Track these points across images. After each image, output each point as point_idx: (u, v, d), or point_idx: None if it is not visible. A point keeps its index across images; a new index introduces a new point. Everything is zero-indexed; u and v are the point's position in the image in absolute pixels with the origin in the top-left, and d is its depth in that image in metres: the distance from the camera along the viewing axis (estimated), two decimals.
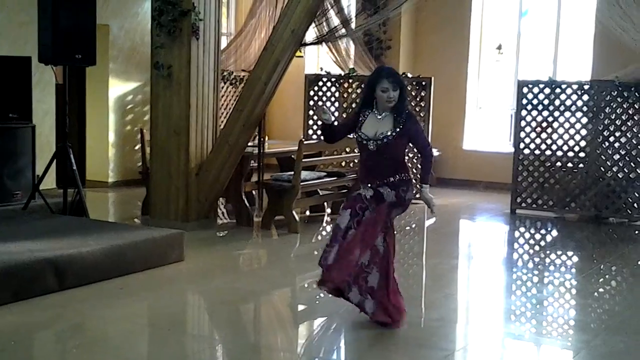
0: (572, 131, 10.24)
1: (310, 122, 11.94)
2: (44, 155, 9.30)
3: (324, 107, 5.88)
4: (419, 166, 6.37)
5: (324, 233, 9.42)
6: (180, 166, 8.56)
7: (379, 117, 5.50)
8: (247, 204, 9.13)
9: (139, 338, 5.59)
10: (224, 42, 12.88)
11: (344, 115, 11.82)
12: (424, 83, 11.10)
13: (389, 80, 5.41)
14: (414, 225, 10.03)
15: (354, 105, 11.79)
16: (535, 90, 10.39)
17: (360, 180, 5.75)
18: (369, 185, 5.52)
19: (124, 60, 11.78)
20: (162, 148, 8.66)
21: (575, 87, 10.20)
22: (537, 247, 9.08)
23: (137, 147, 11.65)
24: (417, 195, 5.80)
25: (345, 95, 11.84)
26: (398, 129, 5.44)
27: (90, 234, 7.03)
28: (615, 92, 9.89)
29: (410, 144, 5.70)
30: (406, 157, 6.17)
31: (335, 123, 5.77)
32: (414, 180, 6.01)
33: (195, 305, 6.72)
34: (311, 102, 11.94)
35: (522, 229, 10.00)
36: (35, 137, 9.06)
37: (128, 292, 6.40)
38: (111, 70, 11.60)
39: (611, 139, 9.98)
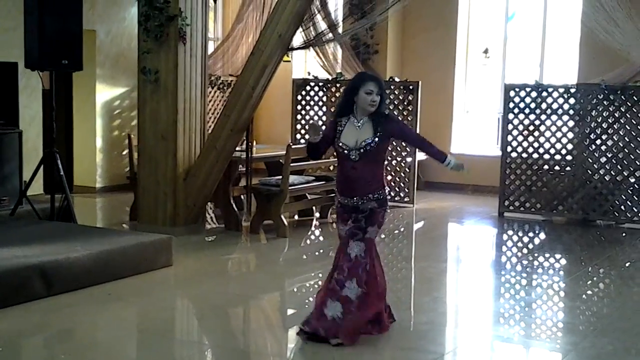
0: (559, 134, 10.29)
1: (298, 126, 11.93)
2: (31, 160, 9.26)
3: (317, 124, 5.69)
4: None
5: (312, 237, 9.42)
6: (168, 171, 8.55)
7: (358, 124, 5.34)
8: (236, 209, 9.12)
9: (128, 343, 5.57)
10: (211, 47, 12.87)
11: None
12: (411, 87, 11.10)
13: (374, 84, 5.31)
14: (402, 229, 10.05)
15: None
16: (522, 93, 10.43)
17: (340, 192, 5.45)
18: (351, 209, 5.36)
19: (111, 66, 11.75)
20: (149, 153, 8.64)
21: (561, 90, 10.24)
22: (525, 250, 9.10)
23: (124, 153, 11.61)
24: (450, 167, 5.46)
25: (332, 100, 11.82)
26: (379, 133, 5.31)
27: (78, 240, 7.00)
28: (602, 95, 9.94)
29: (403, 144, 5.56)
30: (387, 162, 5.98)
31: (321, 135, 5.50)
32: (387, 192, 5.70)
33: (184, 310, 6.70)
34: (299, 107, 11.93)
35: (510, 232, 10.02)
36: (22, 143, 9.03)
37: (116, 297, 6.38)
38: (98, 76, 11.57)
39: (598, 142, 10.03)
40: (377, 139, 5.31)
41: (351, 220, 5.38)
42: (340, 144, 5.36)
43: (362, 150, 5.30)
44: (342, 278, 5.34)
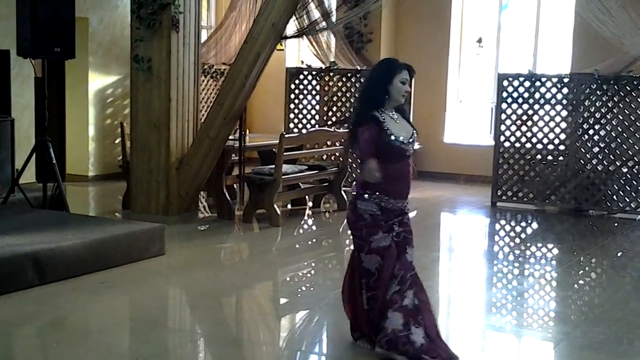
0: (552, 124, 10.30)
1: (291, 115, 11.92)
2: (23, 149, 9.24)
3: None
4: None
5: (305, 226, 9.42)
6: (161, 160, 8.53)
7: (397, 119, 4.82)
8: (229, 198, 9.12)
9: (121, 332, 5.57)
10: (204, 36, 12.84)
11: (325, 109, 11.81)
12: None
13: (408, 72, 4.85)
14: None
15: (335, 99, 11.79)
16: (516, 83, 10.43)
17: (389, 194, 4.78)
18: (401, 206, 4.89)
19: (103, 54, 11.71)
20: (142, 142, 8.62)
21: (555, 80, 10.25)
22: (517, 240, 9.12)
23: (117, 141, 11.59)
24: None
25: (326, 89, 11.84)
26: (414, 131, 4.90)
27: (70, 228, 6.99)
28: (595, 85, 9.95)
29: None
30: None
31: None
32: None
33: (177, 299, 6.70)
34: (292, 96, 11.92)
35: (502, 222, 10.04)
36: (14, 131, 9.00)
37: (109, 286, 6.37)
38: (91, 64, 11.53)
39: (591, 131, 10.04)
40: (416, 134, 4.93)
41: (396, 225, 4.87)
42: (399, 141, 4.75)
43: (412, 146, 4.84)
44: (404, 288, 4.85)
